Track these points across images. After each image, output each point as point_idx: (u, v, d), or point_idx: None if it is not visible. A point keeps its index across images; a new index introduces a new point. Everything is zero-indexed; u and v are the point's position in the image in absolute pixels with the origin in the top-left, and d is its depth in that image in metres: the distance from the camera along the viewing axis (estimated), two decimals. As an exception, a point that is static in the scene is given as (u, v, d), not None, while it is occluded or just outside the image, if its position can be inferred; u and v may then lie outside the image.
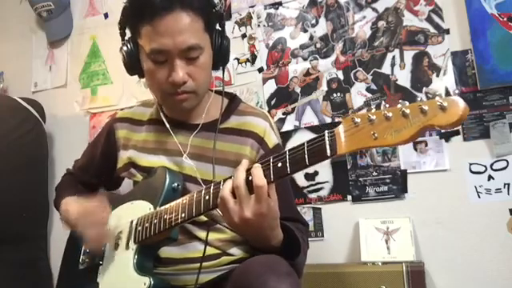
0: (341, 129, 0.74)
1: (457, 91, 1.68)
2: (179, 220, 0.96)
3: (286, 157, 0.82)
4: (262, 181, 0.82)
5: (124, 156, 1.21)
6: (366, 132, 0.70)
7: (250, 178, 0.85)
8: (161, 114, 1.19)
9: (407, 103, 0.67)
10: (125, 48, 1.11)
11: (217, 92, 1.22)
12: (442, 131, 1.67)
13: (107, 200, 1.12)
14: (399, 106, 0.68)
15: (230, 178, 0.89)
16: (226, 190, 0.87)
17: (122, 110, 2.14)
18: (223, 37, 1.11)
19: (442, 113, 0.63)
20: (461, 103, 0.63)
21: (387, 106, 0.70)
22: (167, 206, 1.01)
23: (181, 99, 1.08)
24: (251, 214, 0.84)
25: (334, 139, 0.74)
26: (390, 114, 0.68)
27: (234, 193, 0.87)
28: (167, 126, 1.17)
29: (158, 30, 1.01)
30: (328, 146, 0.75)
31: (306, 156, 0.78)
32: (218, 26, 1.12)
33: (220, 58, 1.13)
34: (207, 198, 0.93)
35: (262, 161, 0.86)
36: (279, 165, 0.82)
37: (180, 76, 1.03)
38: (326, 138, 0.76)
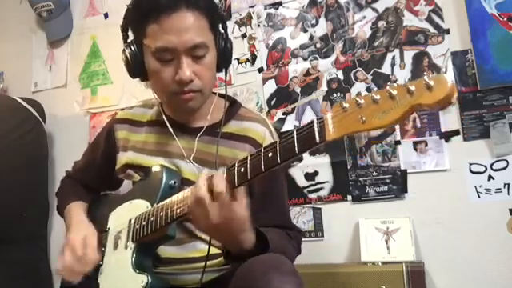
0: (329, 115, 0.73)
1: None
2: (174, 216, 0.96)
3: (276, 147, 0.80)
4: (221, 188, 0.83)
5: (123, 157, 1.21)
6: (354, 116, 0.69)
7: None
8: (163, 116, 1.19)
9: (395, 85, 0.66)
10: (128, 50, 1.10)
11: (219, 95, 1.22)
12: (442, 131, 1.68)
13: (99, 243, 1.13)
14: (387, 87, 0.67)
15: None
16: (192, 200, 0.88)
17: (122, 110, 2.17)
18: (226, 38, 1.12)
19: (429, 92, 0.62)
20: (447, 80, 0.62)
21: (375, 89, 0.69)
22: (163, 203, 1.01)
23: (187, 98, 1.07)
24: (218, 220, 0.85)
25: (323, 125, 0.73)
26: (377, 97, 0.67)
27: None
28: (170, 128, 1.16)
29: (165, 28, 1.01)
30: (317, 133, 0.73)
31: (296, 143, 0.77)
32: (221, 28, 1.13)
33: (223, 59, 1.13)
34: None
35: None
36: (270, 154, 0.80)
37: (187, 74, 1.03)
38: (315, 125, 0.74)
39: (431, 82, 0.62)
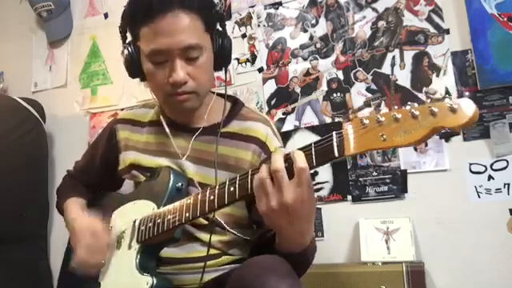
0: (349, 130, 0.73)
1: (455, 92, 1.68)
2: (183, 220, 0.96)
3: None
4: (305, 164, 0.79)
5: (126, 157, 1.21)
6: (375, 133, 0.70)
7: (286, 164, 0.82)
8: (161, 116, 1.19)
9: (416, 105, 0.67)
10: (126, 51, 1.10)
11: (218, 94, 1.22)
12: (442, 131, 1.68)
13: (110, 211, 1.12)
14: (408, 107, 0.68)
15: (257, 169, 0.85)
16: (264, 172, 0.83)
17: (122, 110, 2.17)
18: (224, 37, 1.11)
19: (452, 114, 0.63)
20: (471, 105, 0.63)
21: (396, 107, 0.69)
22: (171, 206, 1.00)
23: (181, 100, 1.07)
24: (291, 199, 0.80)
25: (342, 140, 0.74)
26: (399, 116, 0.68)
27: (271, 176, 0.82)
28: (166, 128, 1.16)
29: (157, 30, 1.01)
30: (336, 147, 0.74)
31: (314, 157, 0.77)
32: (218, 27, 1.12)
33: (221, 58, 1.12)
34: (212, 198, 0.92)
35: (302, 146, 0.82)
36: (285, 165, 0.81)
37: (181, 76, 1.03)
38: (334, 139, 0.75)
39: (455, 106, 0.63)
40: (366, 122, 0.71)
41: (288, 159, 0.81)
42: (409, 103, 0.68)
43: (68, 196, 1.28)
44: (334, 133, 0.76)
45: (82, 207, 1.25)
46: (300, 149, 0.81)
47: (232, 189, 0.89)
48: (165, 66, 1.05)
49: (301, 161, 0.79)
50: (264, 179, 0.82)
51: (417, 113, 0.66)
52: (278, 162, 0.81)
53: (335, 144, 0.75)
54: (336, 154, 0.74)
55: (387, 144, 0.69)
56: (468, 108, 0.63)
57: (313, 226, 0.90)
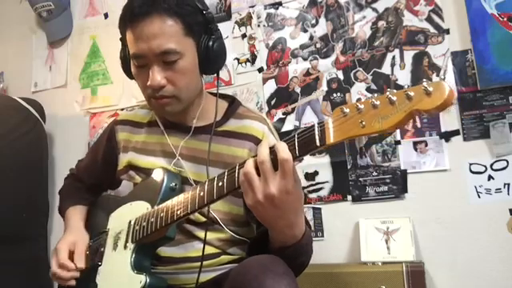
0: (330, 119, 0.75)
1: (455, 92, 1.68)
2: (175, 217, 0.96)
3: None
4: (288, 154, 0.79)
5: (124, 159, 1.22)
6: (355, 121, 0.71)
7: (272, 156, 0.82)
8: (155, 116, 1.21)
9: (395, 91, 0.68)
10: (122, 53, 1.15)
11: (217, 94, 1.22)
12: (442, 131, 1.68)
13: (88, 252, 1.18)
14: (387, 93, 0.68)
15: (245, 162, 0.86)
16: (249, 165, 0.84)
17: (122, 110, 2.17)
18: (209, 41, 1.08)
19: (428, 97, 0.64)
20: (445, 87, 0.63)
21: (376, 95, 0.70)
22: (163, 204, 1.01)
23: (161, 103, 1.08)
24: (276, 190, 0.81)
25: (324, 129, 0.75)
26: (377, 102, 0.69)
27: (257, 169, 0.83)
28: (161, 127, 1.18)
29: (136, 34, 1.04)
30: (317, 137, 0.76)
31: (297, 147, 0.79)
32: (205, 30, 1.09)
33: (207, 62, 1.10)
34: (201, 194, 0.92)
35: (286, 138, 0.83)
36: (271, 157, 0.82)
37: (157, 80, 1.04)
38: (316, 129, 0.76)
39: (430, 88, 0.64)
40: (347, 110, 0.72)
41: (273, 151, 0.82)
42: (388, 89, 0.69)
43: (70, 203, 1.32)
44: (315, 123, 0.77)
45: (81, 217, 1.29)
46: (284, 140, 0.82)
47: (220, 184, 0.89)
48: (145, 70, 1.06)
49: (284, 152, 0.80)
50: (249, 173, 0.83)
51: (394, 98, 0.67)
52: (264, 153, 0.82)
53: (317, 134, 0.76)
54: (318, 144, 0.75)
55: (366, 130, 0.70)
56: (442, 90, 0.63)
57: (302, 219, 0.91)
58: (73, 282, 1.13)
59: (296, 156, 0.79)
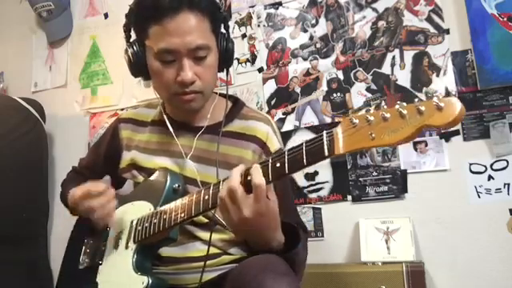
0: (339, 129, 0.74)
1: (454, 91, 1.68)
2: (178, 220, 0.96)
3: (284, 157, 0.82)
4: (261, 180, 0.82)
5: (127, 157, 1.22)
6: (364, 132, 0.71)
7: (249, 177, 0.84)
8: (164, 115, 1.19)
9: (405, 104, 0.68)
10: (131, 50, 1.10)
11: (220, 94, 1.22)
12: (442, 131, 1.68)
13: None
14: (397, 106, 0.68)
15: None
16: (224, 191, 0.86)
17: (122, 110, 2.17)
18: (228, 39, 1.13)
19: (439, 113, 0.64)
20: (457, 104, 0.63)
21: (385, 106, 0.70)
22: (167, 206, 1.01)
23: (188, 99, 1.08)
24: (250, 213, 0.84)
25: (332, 140, 0.75)
26: (387, 115, 0.68)
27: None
28: (170, 127, 1.17)
29: (167, 29, 1.02)
30: (326, 147, 0.76)
31: (304, 156, 0.79)
32: (223, 29, 1.13)
33: (225, 59, 1.13)
34: (206, 198, 0.93)
35: (261, 161, 0.86)
36: (277, 165, 0.82)
37: (189, 76, 1.04)
38: (324, 139, 0.76)
39: (441, 104, 0.64)
40: (356, 121, 0.72)
41: (248, 174, 0.84)
42: (398, 102, 0.69)
43: (72, 187, 1.28)
44: (324, 132, 0.77)
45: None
46: (292, 148, 0.82)
47: None
48: (172, 65, 1.06)
49: (257, 177, 0.82)
50: (223, 198, 0.86)
51: (404, 112, 0.67)
52: (233, 181, 0.85)
53: (325, 143, 0.76)
54: (326, 154, 0.76)
55: (376, 143, 0.70)
56: (454, 106, 0.63)
57: (279, 232, 0.92)
58: (113, 204, 1.07)
59: (304, 165, 0.79)
